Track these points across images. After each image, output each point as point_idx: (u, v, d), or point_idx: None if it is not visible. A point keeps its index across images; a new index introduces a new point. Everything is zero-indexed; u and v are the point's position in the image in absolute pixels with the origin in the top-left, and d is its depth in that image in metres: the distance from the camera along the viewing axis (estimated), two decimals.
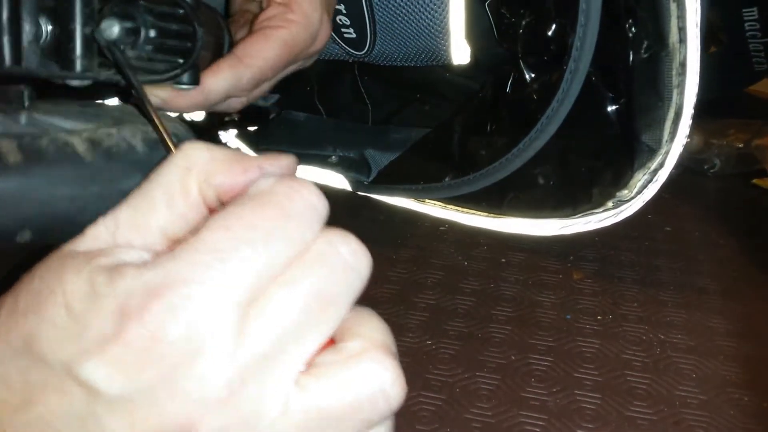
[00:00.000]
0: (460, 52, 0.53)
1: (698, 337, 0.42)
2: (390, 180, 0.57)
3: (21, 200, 0.27)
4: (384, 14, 0.51)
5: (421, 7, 0.50)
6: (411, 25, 0.52)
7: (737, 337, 0.42)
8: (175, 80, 0.35)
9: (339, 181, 0.61)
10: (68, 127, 0.34)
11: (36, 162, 0.27)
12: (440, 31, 0.51)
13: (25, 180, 0.27)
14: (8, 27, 0.30)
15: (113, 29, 0.32)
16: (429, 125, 0.60)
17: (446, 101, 0.61)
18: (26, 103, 0.33)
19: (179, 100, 0.36)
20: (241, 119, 0.72)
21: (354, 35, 0.54)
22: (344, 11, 0.52)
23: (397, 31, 0.52)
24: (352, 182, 0.60)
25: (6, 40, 0.30)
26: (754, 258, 0.51)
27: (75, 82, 0.35)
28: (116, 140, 0.30)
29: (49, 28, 0.32)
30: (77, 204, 0.28)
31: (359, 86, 0.64)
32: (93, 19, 0.32)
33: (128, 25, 0.32)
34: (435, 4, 0.50)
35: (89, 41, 0.32)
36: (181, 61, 0.34)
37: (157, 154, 0.31)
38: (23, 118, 0.33)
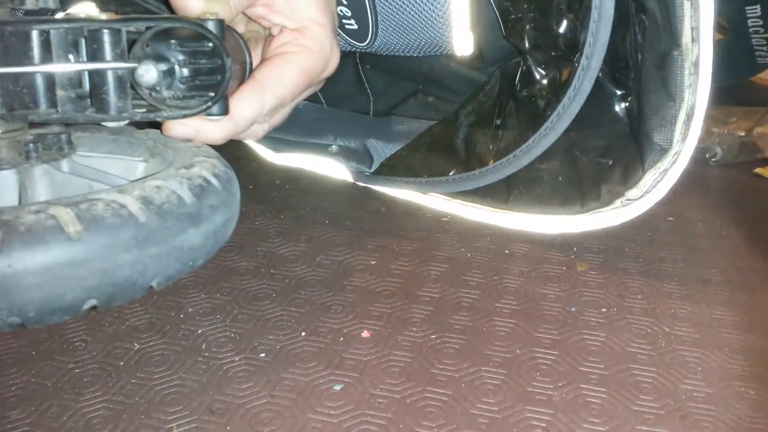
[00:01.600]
0: (463, 44, 0.53)
1: (704, 329, 0.41)
2: (393, 172, 0.57)
3: (86, 271, 0.27)
4: (385, 5, 0.51)
5: None
6: (413, 16, 0.51)
7: (743, 329, 0.41)
8: (206, 112, 0.35)
9: (340, 171, 0.60)
10: (111, 172, 0.34)
11: (96, 231, 0.27)
12: (443, 22, 0.51)
13: (89, 250, 0.26)
14: (42, 73, 0.30)
15: (150, 74, 0.32)
16: (432, 117, 0.59)
17: (450, 92, 0.60)
18: (65, 150, 0.33)
19: (211, 130, 0.37)
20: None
21: (356, 26, 0.53)
22: (345, 2, 0.51)
23: (399, 23, 0.52)
24: (354, 172, 0.59)
25: (40, 85, 0.30)
26: (759, 248, 0.51)
27: (111, 123, 0.35)
28: (166, 195, 0.30)
29: (81, 70, 0.32)
30: (138, 268, 0.28)
31: (361, 76, 0.64)
32: (124, 59, 0.32)
33: (164, 67, 0.33)
34: None
35: (122, 82, 0.32)
36: (212, 94, 0.35)
37: (204, 202, 0.31)
38: (65, 165, 0.33)
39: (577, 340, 0.40)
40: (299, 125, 0.64)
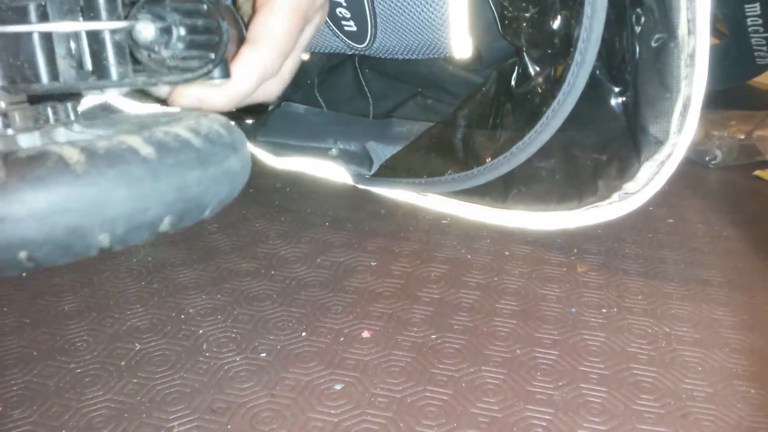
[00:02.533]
0: (461, 46, 0.53)
1: (704, 329, 0.41)
2: (392, 173, 0.57)
3: (164, 185, 0.28)
4: (384, 7, 0.51)
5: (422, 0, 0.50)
6: (412, 18, 0.51)
7: (743, 329, 0.41)
8: (207, 77, 0.35)
9: (340, 174, 0.60)
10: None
11: (166, 151, 0.28)
12: (441, 25, 0.51)
13: (163, 167, 0.28)
14: (40, 43, 0.30)
15: (148, 30, 0.32)
16: (431, 119, 0.59)
17: (449, 95, 0.60)
18: (72, 116, 0.33)
19: (216, 97, 0.37)
20: (238, 110, 0.72)
21: (355, 28, 0.53)
22: (344, 3, 0.51)
23: (398, 24, 0.52)
24: (354, 175, 0.59)
25: (40, 57, 0.30)
26: (758, 249, 0.51)
27: (114, 91, 0.35)
28: (207, 128, 0.31)
29: (81, 39, 0.32)
30: (203, 186, 0.29)
31: (360, 79, 0.64)
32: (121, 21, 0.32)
33: (161, 25, 0.33)
34: None
35: (121, 48, 0.32)
36: (211, 55, 0.34)
37: (235, 135, 0.32)
38: (77, 127, 0.34)
39: (578, 340, 0.40)
40: (300, 129, 0.64)
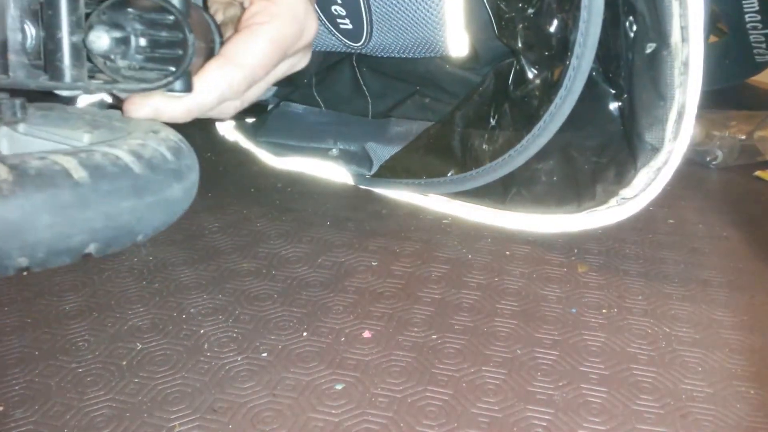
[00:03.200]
0: (457, 44, 0.53)
1: (703, 329, 0.42)
2: (392, 174, 0.57)
3: (92, 213, 0.27)
4: (380, 4, 0.51)
5: None
6: (407, 16, 0.51)
7: (742, 330, 0.42)
8: (167, 88, 0.34)
9: (341, 174, 0.60)
10: (72, 138, 0.34)
11: (101, 176, 0.27)
12: (437, 23, 0.51)
13: (94, 194, 0.27)
14: None
15: (102, 40, 0.31)
16: (429, 118, 0.59)
17: (446, 94, 0.60)
18: (19, 114, 0.32)
19: (173, 109, 0.35)
20: (239, 111, 0.72)
21: (350, 26, 0.53)
22: (340, 1, 0.51)
23: (394, 22, 0.52)
24: (354, 176, 0.59)
25: None
26: (759, 250, 0.51)
27: (65, 93, 0.34)
28: (152, 151, 0.30)
29: (36, 36, 0.31)
30: (136, 214, 0.28)
31: (358, 78, 0.64)
32: (81, 27, 0.31)
33: (117, 35, 0.32)
34: None
35: (78, 50, 0.31)
36: (172, 69, 0.33)
37: (183, 161, 0.31)
38: (21, 128, 0.33)
39: (578, 340, 0.41)
40: (299, 130, 0.65)
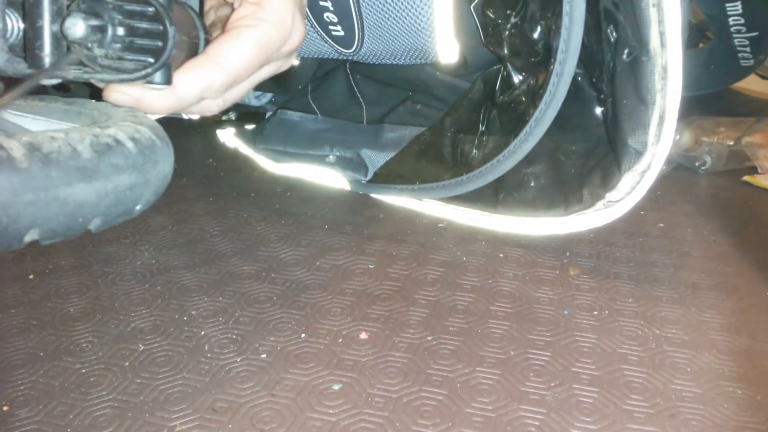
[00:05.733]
0: (447, 51, 0.53)
1: (692, 331, 0.42)
2: (386, 180, 0.58)
3: (101, 188, 0.28)
4: (371, 12, 0.51)
5: (407, 5, 0.50)
6: (397, 24, 0.52)
7: (730, 331, 0.42)
8: (147, 80, 0.34)
9: (338, 180, 0.61)
10: (32, 129, 0.33)
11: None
12: (426, 30, 0.52)
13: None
14: None
15: (78, 27, 0.31)
16: (422, 124, 0.60)
17: (437, 100, 0.61)
18: None
19: (152, 101, 0.36)
20: (238, 118, 0.73)
21: (342, 33, 0.54)
22: (331, 8, 0.52)
23: (385, 29, 0.53)
24: (351, 181, 0.60)
25: None
26: (746, 253, 0.52)
27: (44, 81, 0.34)
28: (59, 145, 0.28)
29: (17, 24, 0.31)
30: (9, 212, 0.27)
31: (352, 85, 0.65)
32: (61, 16, 0.31)
33: (94, 22, 0.32)
34: (420, 3, 0.50)
35: (58, 39, 0.31)
36: (151, 60, 0.33)
37: (104, 160, 0.30)
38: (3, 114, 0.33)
39: (570, 341, 0.41)
40: (296, 137, 0.65)
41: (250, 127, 0.70)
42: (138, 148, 0.31)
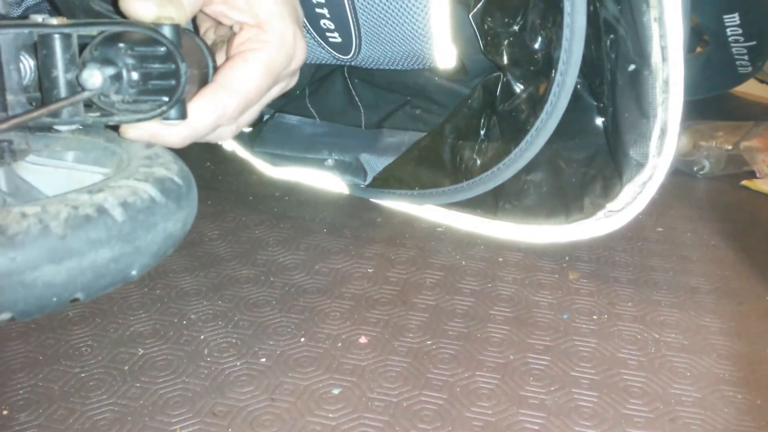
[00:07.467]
0: (445, 57, 0.53)
1: (692, 335, 0.43)
2: (385, 185, 0.58)
3: (75, 266, 0.28)
4: (367, 18, 0.51)
5: (403, 11, 0.50)
6: (394, 30, 0.52)
7: (730, 336, 0.43)
8: (162, 117, 0.34)
9: (336, 183, 0.61)
10: (49, 179, 0.34)
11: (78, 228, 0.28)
12: (423, 36, 0.52)
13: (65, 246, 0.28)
14: None
15: (95, 78, 0.32)
16: (421, 128, 0.60)
17: (436, 105, 0.61)
18: (7, 159, 0.32)
19: (168, 135, 0.36)
20: (235, 134, 0.73)
21: (339, 39, 0.54)
22: (328, 15, 0.52)
23: (382, 36, 0.53)
24: (349, 185, 0.60)
25: None
26: (745, 257, 0.52)
27: (63, 127, 0.34)
28: (28, 224, 0.28)
29: (29, 63, 0.32)
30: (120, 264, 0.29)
31: (350, 89, 0.65)
32: (75, 63, 0.32)
33: (110, 71, 0.32)
34: (417, 9, 0.50)
35: (73, 86, 0.32)
36: (165, 99, 0.34)
37: (79, 236, 0.29)
38: (1, 173, 0.33)
39: (569, 346, 0.42)
40: (294, 141, 0.65)
41: (247, 130, 0.70)
42: (127, 215, 0.30)
